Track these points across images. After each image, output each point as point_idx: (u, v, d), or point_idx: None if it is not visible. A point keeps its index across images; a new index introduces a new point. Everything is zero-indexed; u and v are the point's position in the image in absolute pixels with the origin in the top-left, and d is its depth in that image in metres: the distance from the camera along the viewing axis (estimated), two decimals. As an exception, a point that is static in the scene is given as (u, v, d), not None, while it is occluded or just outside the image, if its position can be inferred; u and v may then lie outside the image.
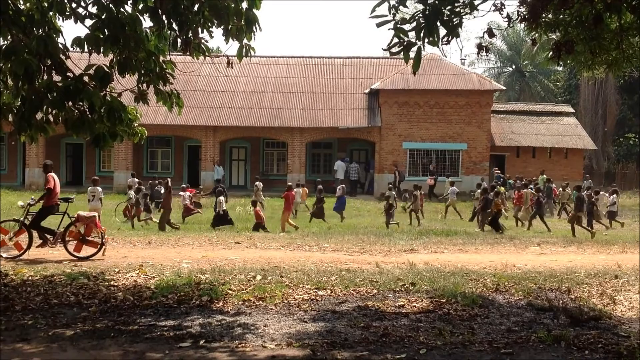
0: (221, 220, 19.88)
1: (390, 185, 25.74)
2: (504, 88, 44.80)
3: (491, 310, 7.92)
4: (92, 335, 6.63)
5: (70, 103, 8.59)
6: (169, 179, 22.46)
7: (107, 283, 9.21)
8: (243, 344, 6.33)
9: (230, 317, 7.42)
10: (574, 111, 41.03)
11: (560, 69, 51.84)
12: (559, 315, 7.68)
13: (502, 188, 27.65)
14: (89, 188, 19.86)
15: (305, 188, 26.61)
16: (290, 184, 21.68)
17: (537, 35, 9.22)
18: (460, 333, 6.83)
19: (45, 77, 8.54)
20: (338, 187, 25.14)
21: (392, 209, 21.48)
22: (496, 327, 7.18)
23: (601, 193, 23.18)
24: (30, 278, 9.47)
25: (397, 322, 7.28)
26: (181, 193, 23.71)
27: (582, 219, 19.43)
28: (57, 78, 8.64)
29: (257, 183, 26.62)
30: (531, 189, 23.54)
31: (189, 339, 6.50)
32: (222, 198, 20.57)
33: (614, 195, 22.82)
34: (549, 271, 10.84)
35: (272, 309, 7.87)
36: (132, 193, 21.59)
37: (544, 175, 30.76)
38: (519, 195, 23.64)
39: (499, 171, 32.66)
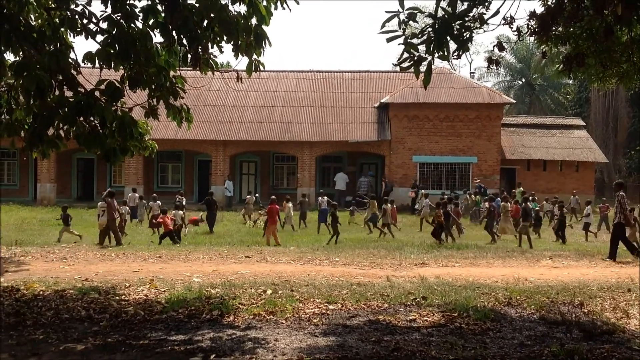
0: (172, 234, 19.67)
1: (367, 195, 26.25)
2: (514, 101, 44.82)
3: (503, 324, 7.87)
4: (103, 349, 6.63)
5: (81, 118, 8.65)
6: (109, 189, 21.53)
7: (118, 297, 9.21)
8: (254, 359, 6.31)
9: (241, 332, 7.40)
10: (584, 124, 40.87)
11: (570, 82, 51.76)
12: (572, 329, 7.61)
13: (476, 197, 27.74)
14: (99, 203, 19.93)
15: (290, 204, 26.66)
16: (273, 197, 21.53)
17: (547, 48, 9.23)
18: (473, 347, 6.78)
19: (56, 93, 8.61)
20: (319, 198, 25.24)
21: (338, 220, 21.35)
22: (509, 341, 7.12)
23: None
24: (41, 293, 9.49)
25: (409, 336, 7.24)
26: (151, 203, 23.65)
27: (527, 229, 19.53)
28: (68, 93, 8.70)
29: (248, 197, 26.83)
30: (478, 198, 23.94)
31: (200, 353, 6.48)
32: (180, 212, 20.58)
33: (589, 207, 22.93)
34: (561, 285, 10.76)
35: (282, 323, 7.85)
36: (126, 208, 21.68)
37: (521, 188, 31.00)
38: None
39: (478, 181, 32.72)
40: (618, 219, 15.35)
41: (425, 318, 8.15)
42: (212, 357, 6.37)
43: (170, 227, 19.14)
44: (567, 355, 6.46)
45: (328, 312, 8.44)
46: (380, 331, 7.43)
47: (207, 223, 23.14)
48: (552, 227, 22.41)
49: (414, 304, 8.97)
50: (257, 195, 30.11)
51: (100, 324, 7.72)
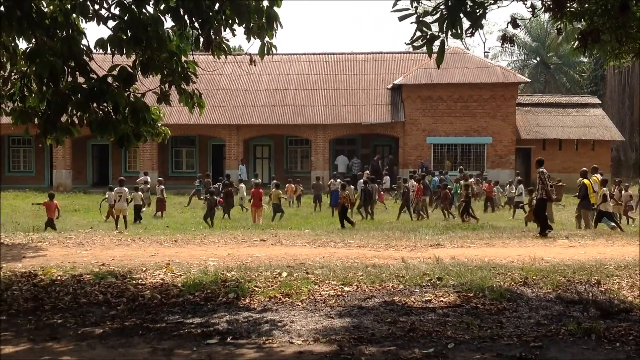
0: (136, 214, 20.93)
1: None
2: (529, 80, 44.41)
3: (520, 304, 7.83)
4: (120, 333, 6.68)
5: (94, 104, 8.66)
6: None
7: (134, 282, 9.27)
8: (270, 340, 6.33)
9: (257, 314, 7.42)
10: (600, 102, 40.47)
11: (585, 60, 51.20)
12: (588, 308, 7.57)
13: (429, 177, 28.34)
14: (116, 189, 20.11)
15: (292, 185, 27.03)
16: (257, 181, 22.73)
17: (562, 25, 9.11)
18: (489, 327, 6.76)
19: (69, 79, 8.62)
20: (331, 180, 25.42)
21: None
22: (525, 320, 7.10)
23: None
24: (59, 278, 9.57)
25: (424, 316, 7.23)
26: (111, 191, 22.07)
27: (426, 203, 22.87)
28: (81, 80, 8.71)
29: (252, 180, 27.13)
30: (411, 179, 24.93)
31: (217, 335, 6.51)
32: (140, 194, 21.62)
33: (521, 186, 23.49)
34: (577, 264, 10.69)
35: (298, 305, 7.86)
36: (112, 194, 21.67)
37: (461, 167, 31.40)
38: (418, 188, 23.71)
39: (422, 160, 33.57)
40: (540, 194, 15.69)
41: (441, 299, 8.13)
42: (228, 339, 6.40)
43: (52, 213, 18.94)
44: (584, 334, 6.42)
45: (343, 293, 8.44)
46: (395, 312, 7.43)
47: (224, 208, 23.39)
48: (457, 207, 22.91)
49: (429, 284, 8.95)
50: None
51: (117, 308, 7.77)
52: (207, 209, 20.88)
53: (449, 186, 23.94)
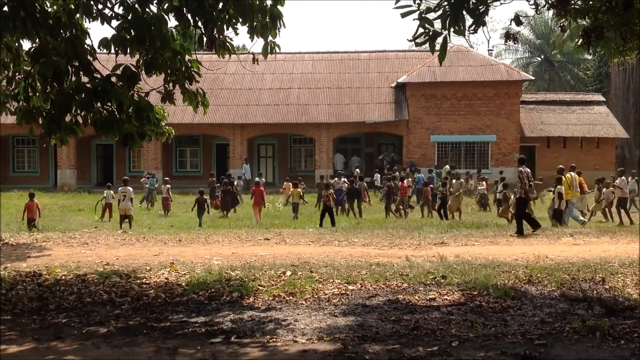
0: None
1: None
2: (533, 78, 44.33)
3: (524, 301, 7.82)
4: (125, 332, 6.70)
5: (98, 104, 8.68)
6: None
7: (139, 281, 9.28)
8: (274, 339, 6.34)
9: (261, 313, 7.43)
10: (604, 100, 40.34)
11: (590, 57, 51.06)
12: (593, 306, 7.56)
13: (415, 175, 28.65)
14: (120, 188, 20.13)
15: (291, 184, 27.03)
16: (257, 180, 23.15)
17: (566, 22, 9.09)
18: (493, 325, 6.76)
19: (73, 79, 8.64)
20: (335, 179, 25.42)
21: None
22: (529, 318, 7.09)
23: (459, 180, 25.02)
24: (63, 277, 9.58)
25: (429, 315, 7.23)
26: (109, 190, 22.34)
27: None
28: (85, 79, 8.73)
29: (256, 179, 27.10)
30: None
31: (221, 334, 6.52)
32: (130, 191, 20.75)
33: (503, 182, 23.45)
34: (582, 261, 10.66)
35: (302, 304, 7.87)
36: (110, 193, 21.70)
37: (447, 167, 31.37)
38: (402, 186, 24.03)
39: (411, 159, 33.98)
40: (519, 194, 15.74)
41: (445, 297, 8.12)
42: (232, 338, 6.41)
43: (33, 214, 19.07)
44: (588, 332, 6.41)
45: (347, 292, 8.44)
46: (399, 310, 7.43)
47: (222, 206, 23.40)
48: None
49: (433, 283, 8.94)
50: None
51: (122, 307, 7.79)
52: (197, 206, 21.14)
53: (431, 185, 23.96)
